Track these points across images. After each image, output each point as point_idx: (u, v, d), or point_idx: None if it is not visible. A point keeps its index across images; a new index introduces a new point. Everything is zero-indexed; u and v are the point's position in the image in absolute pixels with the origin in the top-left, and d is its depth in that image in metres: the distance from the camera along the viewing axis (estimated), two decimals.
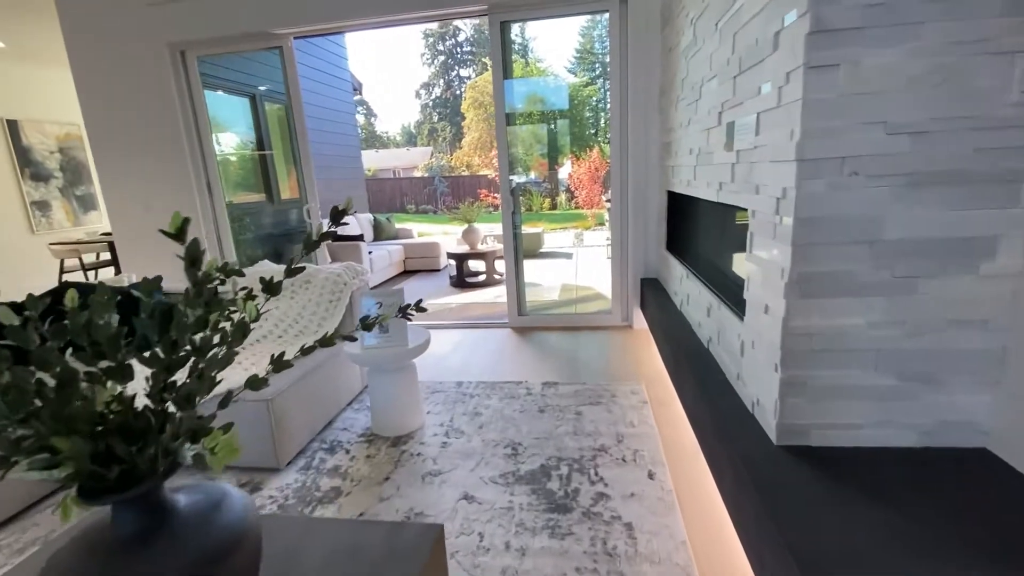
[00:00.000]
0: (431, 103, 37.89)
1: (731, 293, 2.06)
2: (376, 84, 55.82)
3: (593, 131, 27.32)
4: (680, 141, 2.81)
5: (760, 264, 1.63)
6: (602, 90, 29.97)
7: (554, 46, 32.24)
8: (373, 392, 2.45)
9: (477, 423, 2.52)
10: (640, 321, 3.79)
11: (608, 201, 5.89)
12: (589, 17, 30.91)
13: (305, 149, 3.97)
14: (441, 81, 37.45)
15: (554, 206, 17.07)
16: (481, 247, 6.26)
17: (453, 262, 6.02)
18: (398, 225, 8.67)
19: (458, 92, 36.32)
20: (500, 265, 6.54)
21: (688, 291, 2.67)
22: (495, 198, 17.18)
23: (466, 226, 6.22)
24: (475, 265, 6.54)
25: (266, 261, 3.01)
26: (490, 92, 26.03)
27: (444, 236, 9.96)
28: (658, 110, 3.47)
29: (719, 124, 2.05)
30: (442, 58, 37.00)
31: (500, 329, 4.03)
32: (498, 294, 5.46)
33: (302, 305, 2.72)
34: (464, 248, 6.19)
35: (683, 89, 2.70)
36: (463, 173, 22.12)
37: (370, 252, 6.10)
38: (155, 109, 3.95)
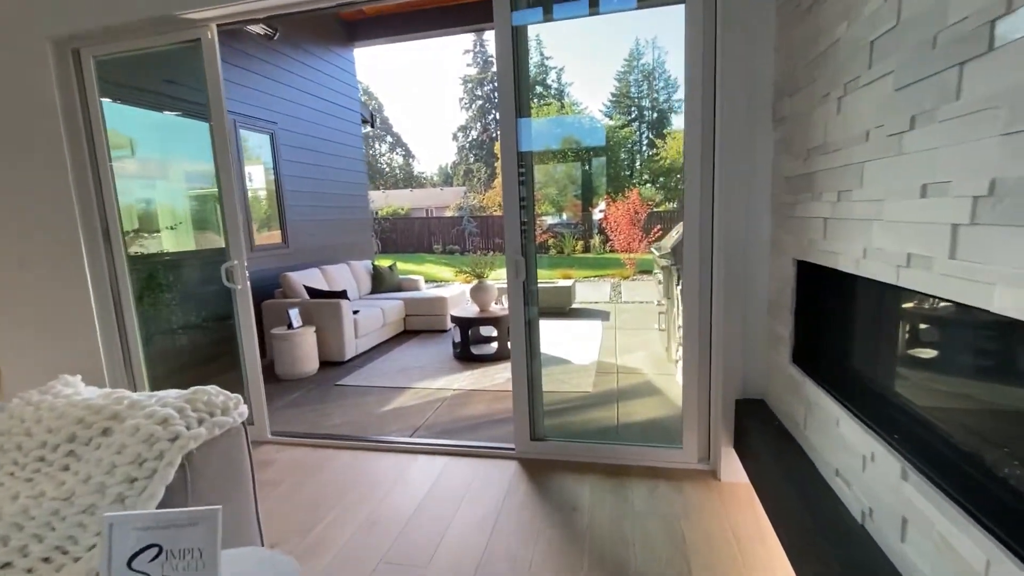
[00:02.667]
0: (467, 145, 37.81)
1: None
2: (415, 126, 56.61)
3: (628, 172, 26.13)
4: (857, 170, 1.32)
5: None
6: (638, 132, 28.96)
7: (590, 90, 31.62)
8: None
9: None
10: (733, 469, 2.21)
11: (662, 255, 4.39)
12: (626, 61, 30.30)
13: (228, 180, 2.67)
14: (478, 124, 37.40)
15: (587, 248, 15.66)
16: (495, 308, 4.82)
17: (458, 328, 4.59)
18: (409, 273, 7.38)
19: (494, 135, 36.19)
20: None
21: (891, 497, 1.12)
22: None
23: (475, 282, 4.81)
24: (487, 330, 5.10)
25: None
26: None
27: (466, 284, 8.67)
28: (773, 122, 2.01)
29: None
30: (480, 102, 37.07)
31: (503, 461, 2.51)
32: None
33: (70, 489, 1.30)
34: (472, 311, 4.76)
35: (872, 59, 1.23)
36: (494, 213, 21.07)
37: (355, 312, 4.74)
38: (33, 130, 2.76)
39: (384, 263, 6.42)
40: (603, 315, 6.30)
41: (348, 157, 6.76)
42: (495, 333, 4.77)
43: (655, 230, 10.10)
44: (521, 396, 2.48)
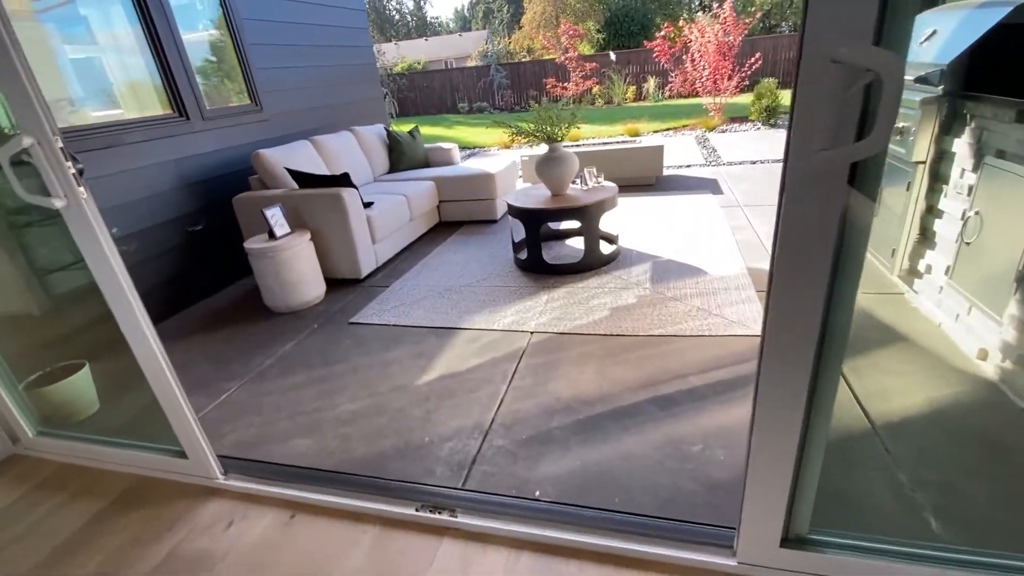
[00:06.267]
0: None
1: None
2: None
3: None
4: None
5: None
6: None
7: None
8: None
9: None
10: None
11: (916, 78, 2.41)
12: None
13: None
14: None
15: (639, 96, 12.85)
16: (575, 190, 3.10)
17: (520, 224, 2.95)
18: (437, 140, 5.53)
19: None
20: (612, 224, 3.15)
21: None
22: (564, 89, 12.91)
23: (545, 148, 3.01)
24: (564, 226, 3.44)
25: None
26: None
27: (511, 151, 6.83)
28: None
29: None
30: None
31: None
32: (621, 301, 2.42)
33: None
34: (541, 196, 3.05)
35: None
36: (524, 59, 17.69)
37: (368, 205, 3.13)
38: None
39: (404, 129, 4.58)
40: (711, 186, 4.45)
41: None
42: (576, 225, 3.12)
43: (751, 60, 7.46)
44: (779, 477, 0.95)
